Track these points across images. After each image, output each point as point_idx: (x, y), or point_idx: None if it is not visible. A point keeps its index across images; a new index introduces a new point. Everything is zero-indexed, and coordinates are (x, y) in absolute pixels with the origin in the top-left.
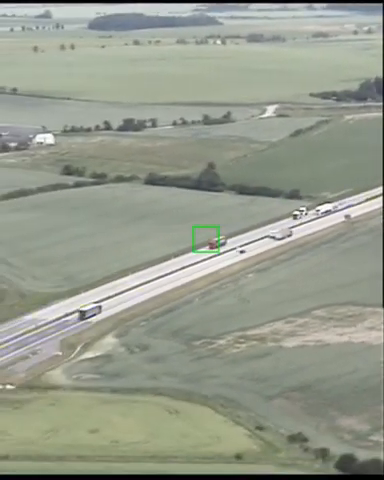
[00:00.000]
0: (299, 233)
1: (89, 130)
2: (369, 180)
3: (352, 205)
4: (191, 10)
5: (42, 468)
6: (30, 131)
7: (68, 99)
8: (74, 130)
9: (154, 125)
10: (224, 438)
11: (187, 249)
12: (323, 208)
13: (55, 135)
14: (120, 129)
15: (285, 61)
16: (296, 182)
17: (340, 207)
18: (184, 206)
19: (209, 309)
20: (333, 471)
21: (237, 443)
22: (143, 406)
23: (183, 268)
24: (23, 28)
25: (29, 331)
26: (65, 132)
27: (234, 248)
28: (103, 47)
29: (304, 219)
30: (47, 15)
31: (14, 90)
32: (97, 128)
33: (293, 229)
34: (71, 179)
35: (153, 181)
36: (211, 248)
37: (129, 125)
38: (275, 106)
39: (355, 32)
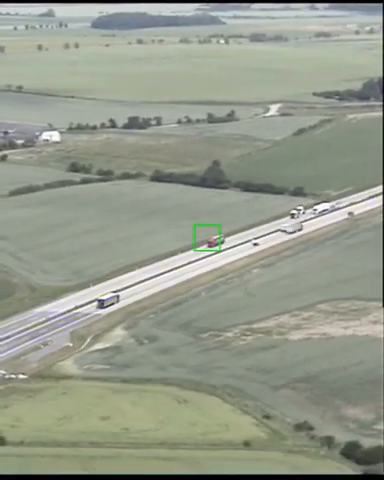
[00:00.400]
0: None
1: (95, 128)
2: (372, 178)
3: (355, 202)
4: (194, 9)
5: (56, 453)
6: (36, 129)
7: (72, 97)
8: (80, 128)
9: (159, 123)
10: (232, 426)
11: (199, 243)
12: (320, 207)
13: (61, 133)
14: (125, 127)
15: (288, 60)
16: (300, 180)
17: (337, 206)
18: (190, 203)
19: (216, 303)
20: (338, 458)
21: (245, 431)
22: (153, 395)
23: (190, 263)
24: (27, 27)
25: (40, 323)
26: (71, 130)
27: (249, 240)
28: (107, 46)
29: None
30: (50, 14)
31: (20, 88)
32: (102, 126)
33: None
34: (78, 176)
35: (159, 178)
36: (210, 246)
37: (134, 123)
38: (278, 105)
39: (357, 32)
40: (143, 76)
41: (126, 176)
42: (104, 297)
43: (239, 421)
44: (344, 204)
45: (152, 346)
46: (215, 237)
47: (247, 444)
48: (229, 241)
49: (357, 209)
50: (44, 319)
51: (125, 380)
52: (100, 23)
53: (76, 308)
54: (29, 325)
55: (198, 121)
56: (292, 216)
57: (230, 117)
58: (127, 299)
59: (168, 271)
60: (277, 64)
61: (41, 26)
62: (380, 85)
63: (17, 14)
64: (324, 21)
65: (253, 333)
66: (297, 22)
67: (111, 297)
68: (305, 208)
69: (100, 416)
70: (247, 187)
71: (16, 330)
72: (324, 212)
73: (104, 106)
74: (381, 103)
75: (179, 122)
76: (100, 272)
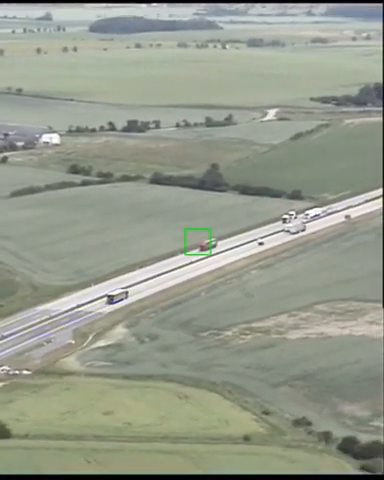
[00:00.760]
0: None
1: (94, 130)
2: (368, 182)
3: (348, 207)
4: (191, 14)
5: (60, 446)
6: (36, 131)
7: (72, 100)
8: (79, 130)
9: (157, 127)
10: (232, 421)
11: (193, 246)
12: (312, 212)
13: (61, 135)
14: (124, 130)
15: (285, 66)
16: (297, 183)
17: (329, 211)
18: (189, 205)
19: (215, 302)
20: (336, 452)
21: (245, 426)
22: (154, 391)
23: (189, 264)
24: (25, 30)
25: (42, 321)
26: (70, 132)
27: (255, 239)
28: (105, 50)
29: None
30: (48, 17)
31: (19, 91)
32: (102, 129)
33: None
34: (78, 178)
35: (158, 180)
36: (202, 250)
37: (133, 126)
38: (276, 110)
39: (354, 38)
40: (142, 80)
41: (126, 178)
42: (113, 293)
43: (239, 417)
44: (336, 209)
45: (153, 344)
46: (207, 241)
47: (247, 439)
48: (228, 242)
49: (353, 213)
50: (47, 317)
51: (127, 376)
52: (98, 27)
53: (78, 307)
54: (32, 323)
55: (196, 125)
56: (284, 221)
57: (228, 121)
58: (128, 298)
59: (168, 271)
60: (275, 69)
61: (39, 29)
62: (377, 91)
63: (15, 17)
64: (321, 27)
65: (252, 332)
66: (293, 28)
67: (120, 293)
68: (297, 213)
69: (103, 411)
70: (245, 190)
71: (19, 327)
72: (315, 217)
73: (103, 109)
74: (378, 109)
75: (177, 126)
76: (101, 272)
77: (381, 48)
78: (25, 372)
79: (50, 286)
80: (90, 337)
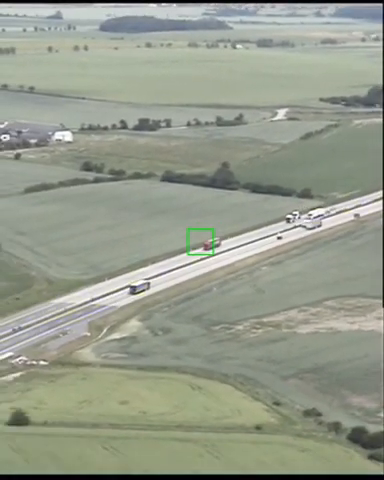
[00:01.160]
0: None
1: (106, 129)
2: (376, 181)
3: (348, 209)
4: (200, 14)
5: (78, 433)
6: (49, 128)
7: (83, 99)
8: (91, 128)
9: (168, 125)
10: (244, 411)
11: (199, 244)
12: (315, 212)
13: (73, 133)
14: (136, 128)
15: (295, 66)
16: (307, 182)
17: (333, 212)
18: (200, 202)
19: (226, 298)
20: (345, 442)
21: (256, 416)
22: (168, 382)
23: (201, 260)
24: (36, 28)
25: (58, 314)
26: (82, 130)
27: (266, 236)
28: (116, 49)
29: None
30: (58, 16)
31: (31, 89)
32: (113, 127)
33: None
34: (90, 175)
35: (170, 178)
36: (206, 249)
37: (144, 125)
38: (286, 110)
39: (363, 39)
40: (153, 79)
41: (137, 176)
42: (136, 283)
43: (251, 407)
44: (340, 209)
45: (166, 337)
46: (210, 240)
47: (259, 428)
48: (239, 239)
49: (361, 212)
50: (62, 310)
51: (141, 368)
52: (108, 26)
53: (92, 300)
54: (47, 315)
55: (207, 124)
56: (288, 220)
57: (238, 120)
58: (141, 292)
59: (180, 267)
60: (284, 69)
61: (50, 28)
62: None
63: (25, 16)
64: (330, 28)
65: (263, 326)
66: (303, 28)
67: (142, 284)
68: (301, 213)
69: (118, 400)
70: (256, 188)
71: (35, 320)
72: (319, 217)
73: (114, 108)
74: None
75: (188, 124)
76: (114, 267)
77: None
78: (42, 362)
79: (65, 280)
80: (105, 330)
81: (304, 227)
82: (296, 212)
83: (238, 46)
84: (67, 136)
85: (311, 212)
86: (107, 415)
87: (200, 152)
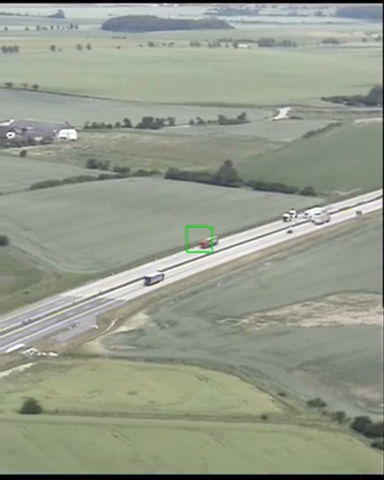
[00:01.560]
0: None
1: (110, 127)
2: (378, 180)
3: (346, 208)
4: (202, 13)
5: (88, 422)
6: (54, 126)
7: (87, 97)
8: (95, 126)
9: (172, 124)
10: (250, 401)
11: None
12: (312, 212)
13: (77, 131)
14: (139, 127)
15: (297, 66)
16: (310, 180)
17: (330, 211)
18: (204, 199)
19: (231, 292)
20: (349, 431)
21: (262, 406)
22: (175, 373)
23: (205, 256)
24: (38, 27)
25: (66, 307)
26: (87, 128)
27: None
28: (119, 48)
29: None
30: (60, 15)
31: (35, 87)
32: (117, 125)
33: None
34: (95, 172)
35: (174, 176)
36: (203, 248)
37: (148, 123)
38: (288, 108)
39: (364, 39)
40: (156, 78)
41: (142, 173)
42: (151, 274)
43: (256, 397)
44: (337, 208)
45: (173, 330)
46: (208, 238)
47: (264, 417)
48: (242, 236)
49: (363, 209)
50: (70, 303)
51: (149, 359)
52: (110, 25)
53: (100, 294)
54: (56, 308)
55: (210, 122)
56: (285, 219)
57: (241, 119)
58: (148, 287)
59: (185, 262)
60: (286, 69)
61: (52, 27)
62: None
63: (27, 15)
64: (331, 28)
65: (267, 320)
66: (304, 28)
67: (157, 275)
68: (297, 212)
69: (127, 390)
70: (259, 186)
71: (44, 313)
72: (324, 212)
73: (118, 106)
74: None
75: (191, 123)
76: (121, 262)
77: None
78: (52, 354)
79: (72, 274)
80: (113, 323)
81: (313, 222)
82: (293, 211)
83: (240, 45)
84: (72, 134)
85: (307, 212)
86: (116, 404)
87: (203, 150)
